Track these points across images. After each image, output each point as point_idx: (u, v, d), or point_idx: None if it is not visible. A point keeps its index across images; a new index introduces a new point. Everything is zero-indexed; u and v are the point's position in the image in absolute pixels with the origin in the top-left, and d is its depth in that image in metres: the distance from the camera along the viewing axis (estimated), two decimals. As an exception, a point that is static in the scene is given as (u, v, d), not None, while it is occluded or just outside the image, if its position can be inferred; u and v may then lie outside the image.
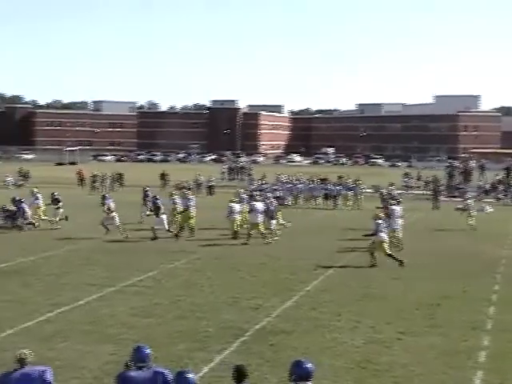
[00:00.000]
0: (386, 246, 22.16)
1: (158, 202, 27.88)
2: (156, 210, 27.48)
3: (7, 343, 13.05)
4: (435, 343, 13.64)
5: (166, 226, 27.22)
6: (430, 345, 13.53)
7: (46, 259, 22.31)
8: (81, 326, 14.36)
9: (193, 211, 28.33)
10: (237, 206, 27.83)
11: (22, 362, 7.93)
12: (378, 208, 29.60)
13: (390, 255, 22.01)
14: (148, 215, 28.81)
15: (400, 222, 26.11)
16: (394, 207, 26.52)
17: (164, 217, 27.42)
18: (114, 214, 27.77)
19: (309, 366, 7.65)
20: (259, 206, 27.00)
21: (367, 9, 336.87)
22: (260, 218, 26.62)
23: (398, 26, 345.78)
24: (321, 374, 10.80)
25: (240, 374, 7.64)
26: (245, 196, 30.80)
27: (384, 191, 39.23)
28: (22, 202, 29.78)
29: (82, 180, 58.65)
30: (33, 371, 7.91)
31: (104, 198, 28.57)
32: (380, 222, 22.41)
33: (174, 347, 12.98)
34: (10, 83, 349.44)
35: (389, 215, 25.55)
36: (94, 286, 18.13)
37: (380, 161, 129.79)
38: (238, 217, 27.60)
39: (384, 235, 22.24)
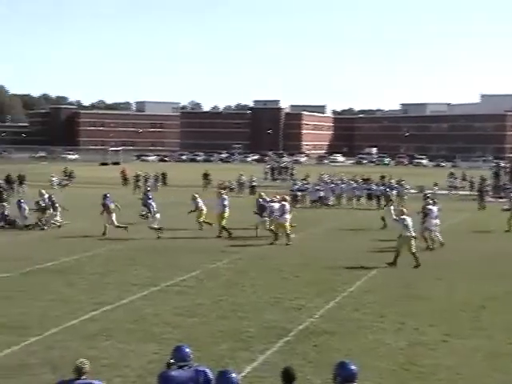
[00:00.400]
0: (413, 243, 21.92)
1: (151, 201, 28.17)
2: (150, 210, 27.80)
3: (52, 341, 13.18)
4: (480, 346, 13.41)
5: (155, 226, 27.52)
6: (475, 347, 13.31)
7: (90, 258, 22.50)
8: (124, 325, 14.43)
9: (227, 211, 28.44)
10: (277, 206, 27.77)
11: (79, 371, 7.82)
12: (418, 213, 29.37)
13: (413, 254, 21.80)
14: (143, 215, 28.75)
15: (437, 222, 25.93)
16: (430, 207, 26.23)
17: (158, 216, 27.75)
18: (113, 214, 28.32)
19: (353, 367, 7.57)
20: (287, 207, 26.95)
21: (413, 7, 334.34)
22: (287, 220, 26.62)
23: (445, 24, 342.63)
24: (364, 376, 10.64)
25: (288, 376, 7.57)
26: (266, 198, 31.09)
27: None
28: (22, 202, 30.78)
29: (125, 180, 59.17)
30: None
31: (105, 197, 28.79)
32: (405, 217, 22.15)
33: (217, 347, 12.97)
34: (55, 84, 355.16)
35: (426, 215, 25.44)
36: (136, 286, 18.23)
37: (424, 161, 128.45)
38: (287, 216, 27.44)
39: (411, 233, 21.99)
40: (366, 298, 17.36)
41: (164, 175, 60.23)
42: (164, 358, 9.47)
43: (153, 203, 28.10)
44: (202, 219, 29.86)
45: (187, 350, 8.03)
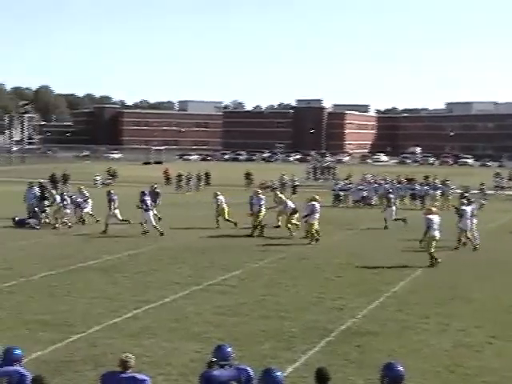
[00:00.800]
0: (434, 243, 21.63)
1: (146, 198, 28.17)
2: (144, 206, 27.82)
3: (95, 339, 13.27)
4: (528, 348, 13.16)
5: (153, 222, 27.67)
6: (522, 350, 13.07)
7: (133, 257, 22.62)
8: (167, 324, 14.48)
9: (263, 211, 28.53)
10: (317, 205, 27.62)
11: (124, 364, 7.83)
12: (453, 206, 29.11)
13: (430, 254, 21.53)
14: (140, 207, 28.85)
15: (474, 221, 25.58)
16: (464, 207, 25.77)
17: (151, 213, 27.83)
18: (117, 210, 28.82)
19: (401, 368, 7.49)
20: (317, 206, 26.72)
21: (460, 7, 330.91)
22: (316, 219, 26.40)
23: (490, 22, 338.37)
24: (407, 377, 10.51)
25: (322, 376, 7.48)
26: (282, 197, 31.05)
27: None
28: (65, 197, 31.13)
29: (168, 179, 59.40)
30: (133, 379, 7.77)
31: (109, 193, 29.21)
32: (431, 217, 21.81)
33: (259, 346, 12.93)
34: (99, 84, 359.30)
35: (461, 216, 25.11)
36: (179, 285, 18.27)
37: (470, 161, 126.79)
38: (317, 216, 27.32)
39: (437, 233, 21.66)
40: (409, 298, 17.18)
41: (207, 175, 60.21)
42: (206, 356, 9.48)
43: (148, 201, 28.06)
44: (227, 217, 30.18)
45: (229, 349, 8.01)
